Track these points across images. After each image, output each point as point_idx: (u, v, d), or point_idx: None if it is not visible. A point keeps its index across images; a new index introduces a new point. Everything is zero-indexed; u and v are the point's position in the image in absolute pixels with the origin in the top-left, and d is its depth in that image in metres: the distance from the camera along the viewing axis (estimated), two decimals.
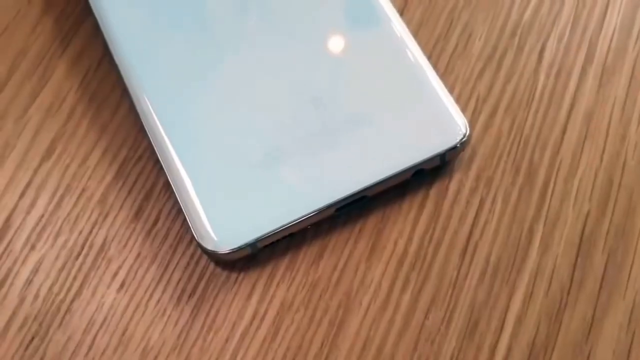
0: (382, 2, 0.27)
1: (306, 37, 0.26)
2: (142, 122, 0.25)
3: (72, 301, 0.23)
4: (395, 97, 0.25)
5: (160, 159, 0.25)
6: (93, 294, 0.24)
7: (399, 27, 0.26)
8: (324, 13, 0.26)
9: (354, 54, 0.26)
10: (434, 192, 0.25)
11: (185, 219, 0.24)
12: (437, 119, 0.25)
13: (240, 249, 0.23)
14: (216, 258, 0.23)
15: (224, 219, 0.23)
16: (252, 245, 0.23)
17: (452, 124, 0.25)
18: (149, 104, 0.25)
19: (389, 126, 0.24)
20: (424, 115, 0.25)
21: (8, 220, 0.25)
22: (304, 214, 0.23)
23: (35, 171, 0.25)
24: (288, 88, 0.25)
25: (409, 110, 0.25)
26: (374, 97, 0.25)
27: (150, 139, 0.25)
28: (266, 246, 0.24)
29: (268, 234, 0.23)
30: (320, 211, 0.23)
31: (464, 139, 0.24)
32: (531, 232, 0.25)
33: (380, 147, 0.24)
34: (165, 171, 0.24)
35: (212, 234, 0.23)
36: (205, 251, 0.23)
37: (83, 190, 0.25)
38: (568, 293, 0.24)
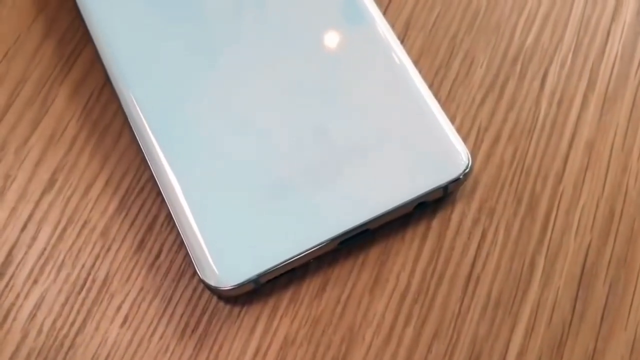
0: (383, 30, 0.26)
1: (306, 68, 0.26)
2: (143, 153, 0.25)
3: (76, 336, 0.23)
4: (397, 128, 0.25)
5: (162, 191, 0.25)
6: (96, 328, 0.24)
7: (400, 55, 0.26)
8: (325, 42, 0.26)
9: (355, 84, 0.26)
10: (436, 223, 0.25)
11: (187, 252, 0.24)
12: (440, 151, 0.25)
13: (242, 285, 0.23)
14: (219, 294, 0.23)
15: (226, 255, 0.23)
16: (254, 280, 0.23)
17: (455, 155, 0.25)
18: (150, 135, 0.25)
19: (391, 158, 0.24)
20: (427, 146, 0.25)
21: (10, 254, 0.25)
22: (306, 248, 0.23)
23: (37, 203, 0.25)
24: (289, 120, 0.25)
25: (411, 141, 0.25)
26: (375, 128, 0.25)
27: (152, 170, 0.25)
28: (269, 280, 0.24)
29: (271, 269, 0.23)
30: (323, 245, 0.24)
31: (466, 170, 0.24)
32: (533, 264, 0.25)
33: (383, 179, 0.24)
34: (167, 204, 0.24)
35: (215, 270, 0.23)
36: (208, 287, 0.23)
37: (85, 222, 0.25)
38: (570, 325, 0.24)
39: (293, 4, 0.27)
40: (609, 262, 0.25)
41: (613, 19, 0.28)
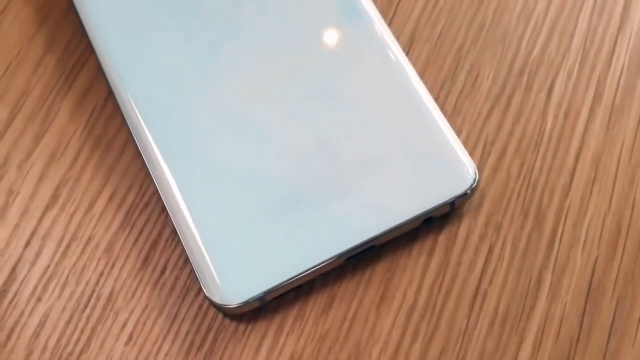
0: (389, 42, 0.26)
1: (312, 82, 0.26)
2: (148, 168, 0.25)
3: (80, 354, 0.23)
4: (403, 142, 0.25)
5: (166, 206, 0.24)
6: (101, 347, 0.23)
7: (406, 68, 0.26)
8: (329, 55, 0.26)
9: (360, 97, 0.25)
10: (442, 238, 0.25)
11: (192, 269, 0.24)
12: (447, 165, 0.24)
13: (248, 302, 0.23)
14: (224, 311, 0.23)
15: (232, 272, 0.23)
16: (260, 298, 0.23)
17: (462, 170, 0.24)
18: (155, 149, 0.25)
19: (398, 173, 0.24)
20: (433, 161, 0.25)
21: (13, 271, 0.24)
22: (313, 265, 0.23)
23: (40, 219, 0.25)
24: (295, 135, 0.25)
25: (418, 156, 0.25)
26: (381, 142, 0.25)
27: (157, 185, 0.25)
28: (275, 297, 0.23)
29: (277, 286, 0.23)
30: (330, 262, 0.23)
31: (473, 185, 0.24)
32: (540, 279, 0.25)
33: (389, 194, 0.24)
34: (172, 220, 0.24)
35: (220, 288, 0.23)
36: (213, 304, 0.23)
37: (89, 238, 0.25)
38: (577, 341, 0.24)
39: (297, 18, 0.27)
40: (617, 277, 0.25)
41: (620, 29, 0.28)
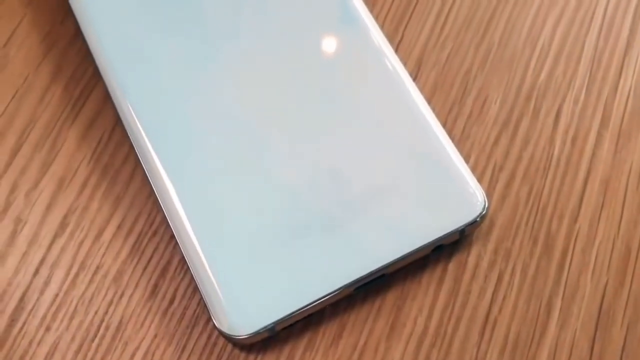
0: (396, 67, 0.26)
1: (320, 108, 0.26)
2: (156, 196, 0.25)
3: None
4: (412, 169, 0.25)
5: (175, 235, 0.24)
6: None
7: (414, 93, 0.26)
8: (338, 81, 0.26)
9: (369, 123, 0.25)
10: (452, 266, 0.25)
11: (201, 298, 0.24)
12: (456, 193, 0.24)
13: (258, 333, 0.23)
14: (234, 341, 0.23)
15: (242, 302, 0.23)
16: (270, 329, 0.23)
17: (471, 197, 0.24)
18: (163, 177, 0.25)
19: (407, 201, 0.24)
20: (443, 188, 0.24)
21: (22, 299, 0.24)
22: (323, 295, 0.23)
23: (49, 248, 0.25)
24: (303, 162, 0.25)
25: (427, 183, 0.24)
26: (390, 169, 0.25)
27: (165, 214, 0.25)
28: (284, 327, 0.23)
29: (287, 317, 0.23)
30: (340, 291, 0.23)
31: (483, 212, 0.24)
32: (550, 305, 0.25)
33: (398, 223, 0.24)
34: (181, 248, 0.24)
35: (230, 318, 0.23)
36: (222, 334, 0.23)
37: (98, 267, 0.25)
38: None
39: (304, 43, 0.27)
40: (627, 302, 0.25)
41: (626, 53, 0.28)
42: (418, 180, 0.25)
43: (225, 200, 0.24)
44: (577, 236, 0.26)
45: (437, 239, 0.24)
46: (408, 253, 0.24)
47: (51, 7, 0.28)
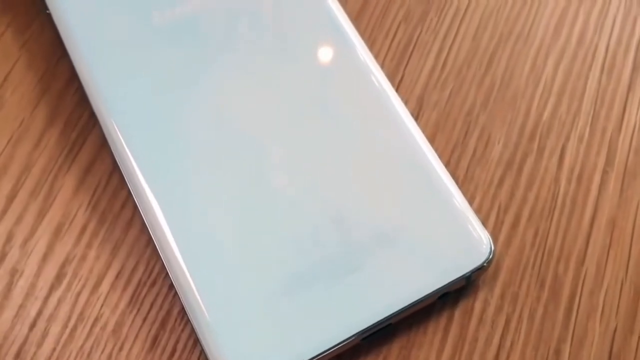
0: (397, 107, 0.26)
1: (320, 153, 0.25)
2: (155, 244, 0.24)
3: None
4: (416, 214, 0.24)
5: (175, 285, 0.24)
6: None
7: (415, 134, 0.25)
8: (338, 123, 0.26)
9: (371, 166, 0.25)
10: (458, 313, 0.24)
11: (202, 350, 0.23)
12: (462, 237, 0.24)
13: None
14: None
15: (244, 355, 0.22)
16: None
17: (477, 242, 0.24)
18: (163, 226, 0.24)
19: (411, 248, 0.24)
20: (448, 234, 0.24)
21: (19, 355, 0.24)
22: (327, 347, 0.22)
23: (46, 300, 0.24)
24: (307, 208, 0.24)
25: (432, 229, 0.24)
26: (393, 215, 0.24)
27: (164, 262, 0.24)
28: None
29: None
30: (345, 343, 0.23)
31: (489, 257, 0.24)
32: (558, 352, 0.24)
33: (403, 271, 0.23)
34: (181, 299, 0.24)
35: None
36: None
37: (96, 319, 0.24)
38: None
39: (304, 81, 0.26)
40: (637, 347, 0.24)
41: (629, 89, 0.28)
42: (423, 225, 0.24)
43: (226, 249, 0.24)
44: (584, 279, 0.25)
45: (444, 286, 0.23)
46: (415, 301, 0.23)
47: (46, 48, 0.28)
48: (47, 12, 0.27)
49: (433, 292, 0.23)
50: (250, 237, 0.24)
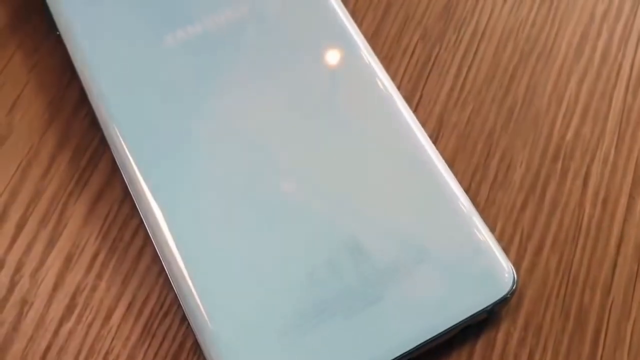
0: (416, 131, 0.25)
1: (339, 179, 0.24)
2: (167, 275, 0.24)
3: None
4: (436, 244, 0.23)
5: (188, 317, 0.23)
6: None
7: (435, 158, 0.25)
8: (353, 147, 0.25)
9: (389, 194, 0.24)
10: (480, 346, 0.23)
11: None
12: (484, 268, 0.23)
13: None
14: None
15: None
16: None
17: (500, 273, 0.23)
18: (176, 256, 0.23)
19: (433, 279, 0.23)
20: (470, 264, 0.23)
21: None
22: None
23: (56, 332, 0.24)
24: (324, 238, 0.23)
25: (453, 259, 0.23)
26: (413, 244, 0.23)
27: (177, 294, 0.23)
28: None
29: None
30: None
31: (513, 288, 0.23)
32: None
33: (425, 303, 0.23)
34: (194, 331, 0.23)
35: None
36: None
37: (107, 353, 0.23)
38: None
39: (315, 104, 0.26)
40: None
41: None
42: (444, 256, 0.23)
43: (242, 281, 0.23)
44: (611, 309, 0.24)
45: (465, 319, 0.22)
46: (435, 336, 0.22)
47: (56, 70, 0.27)
48: (57, 33, 0.27)
49: (454, 326, 0.22)
50: (265, 268, 0.23)
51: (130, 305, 0.24)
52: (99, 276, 0.24)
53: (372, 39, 0.28)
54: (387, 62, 0.27)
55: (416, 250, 0.23)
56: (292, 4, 0.27)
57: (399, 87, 0.26)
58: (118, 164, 0.25)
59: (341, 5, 0.27)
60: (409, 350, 0.22)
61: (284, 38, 0.27)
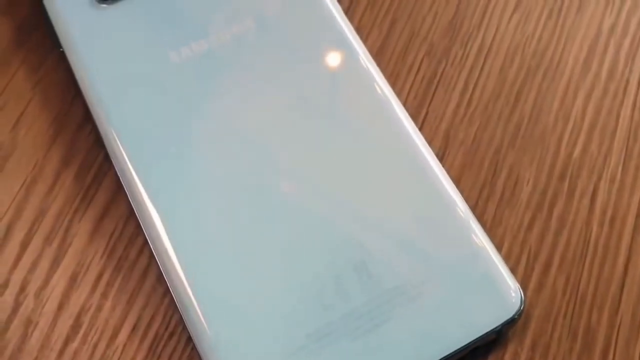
0: (421, 147, 0.25)
1: (344, 199, 0.24)
2: (172, 295, 0.24)
3: None
4: (444, 265, 0.23)
5: (193, 338, 0.23)
6: None
7: (441, 177, 0.24)
8: (359, 168, 0.25)
9: (395, 215, 0.24)
10: None
11: None
12: (491, 290, 0.23)
13: None
14: None
15: None
16: None
17: (507, 294, 0.23)
18: (181, 276, 0.23)
19: (440, 300, 0.23)
20: (477, 285, 0.23)
21: None
22: None
23: (61, 353, 0.24)
24: (329, 259, 0.23)
25: (460, 281, 0.23)
26: (420, 266, 0.23)
27: (182, 315, 0.23)
28: None
29: None
30: None
31: (520, 309, 0.23)
32: None
33: (432, 325, 0.22)
34: (200, 354, 0.23)
35: None
36: None
37: None
38: None
39: (320, 120, 0.25)
40: None
41: None
42: (450, 277, 0.23)
43: (248, 302, 0.23)
44: (619, 329, 0.24)
45: (472, 341, 0.22)
46: (444, 358, 0.22)
47: (60, 87, 0.27)
48: (61, 49, 0.27)
49: (461, 348, 0.22)
50: (271, 292, 0.23)
51: (135, 326, 0.24)
52: (105, 295, 0.24)
53: (378, 56, 0.28)
54: (393, 78, 0.27)
55: (422, 273, 0.23)
56: (298, 19, 0.27)
57: (404, 104, 0.26)
58: (122, 182, 0.25)
59: (347, 22, 0.27)
60: None
61: (290, 54, 0.26)
